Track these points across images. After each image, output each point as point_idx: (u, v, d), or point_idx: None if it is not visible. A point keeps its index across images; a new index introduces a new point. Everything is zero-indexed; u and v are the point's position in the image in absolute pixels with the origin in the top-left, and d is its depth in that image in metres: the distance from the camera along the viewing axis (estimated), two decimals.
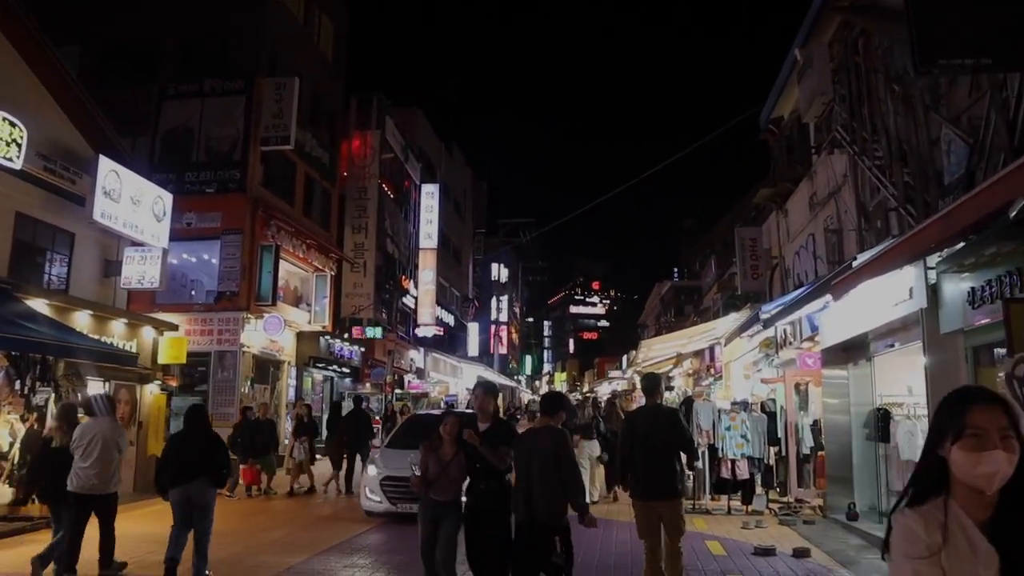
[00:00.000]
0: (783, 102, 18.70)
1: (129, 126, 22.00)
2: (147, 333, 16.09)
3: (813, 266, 16.68)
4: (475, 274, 57.93)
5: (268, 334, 21.49)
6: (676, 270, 64.90)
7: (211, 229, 21.73)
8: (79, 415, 9.11)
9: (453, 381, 45.50)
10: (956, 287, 7.73)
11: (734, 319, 16.89)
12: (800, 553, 8.83)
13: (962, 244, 6.97)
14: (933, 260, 8.09)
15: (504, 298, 66.93)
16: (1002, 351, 6.75)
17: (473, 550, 6.23)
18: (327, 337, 25.89)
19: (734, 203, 37.37)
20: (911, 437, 10.59)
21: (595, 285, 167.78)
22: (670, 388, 27.53)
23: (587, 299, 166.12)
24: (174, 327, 17.15)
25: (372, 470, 11.82)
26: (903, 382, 11.31)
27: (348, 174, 30.54)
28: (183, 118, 22.57)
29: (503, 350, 65.73)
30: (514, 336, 76.70)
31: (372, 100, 31.77)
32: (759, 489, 12.82)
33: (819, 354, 12.73)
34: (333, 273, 27.66)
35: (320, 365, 25.77)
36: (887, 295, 9.26)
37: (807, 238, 17.79)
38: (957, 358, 8.02)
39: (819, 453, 12.57)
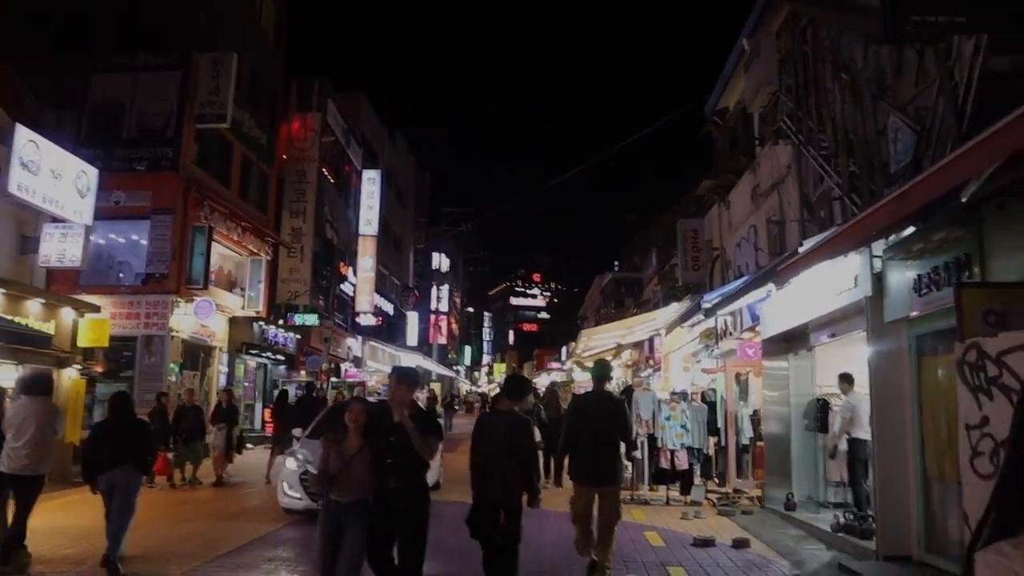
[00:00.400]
0: (729, 92, 18.69)
1: (55, 99, 21.11)
2: (66, 315, 15.31)
3: (754, 257, 16.70)
4: (416, 263, 57.31)
5: (199, 318, 20.73)
6: (617, 263, 65.17)
7: (141, 208, 20.83)
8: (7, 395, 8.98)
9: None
10: (902, 275, 7.64)
11: (675, 309, 16.82)
12: (739, 544, 8.71)
13: (911, 230, 6.85)
14: (879, 248, 8.00)
15: (444, 288, 66.42)
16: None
17: (378, 560, 5.50)
18: (261, 323, 25.15)
19: (677, 199, 37.59)
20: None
21: (536, 277, 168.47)
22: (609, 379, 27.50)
23: (528, 291, 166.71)
24: (95, 308, 16.37)
25: (291, 463, 10.59)
26: (846, 369, 11.31)
27: (287, 157, 29.71)
28: (114, 92, 21.60)
29: (442, 340, 65.23)
30: (454, 326, 76.26)
31: (314, 83, 30.97)
32: (698, 479, 12.74)
33: (759, 344, 12.68)
34: (269, 258, 26.91)
35: (253, 352, 25.03)
36: (831, 284, 9.17)
37: (749, 230, 17.80)
38: (900, 347, 7.95)
39: (758, 443, 12.54)
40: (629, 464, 13.77)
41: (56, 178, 15.14)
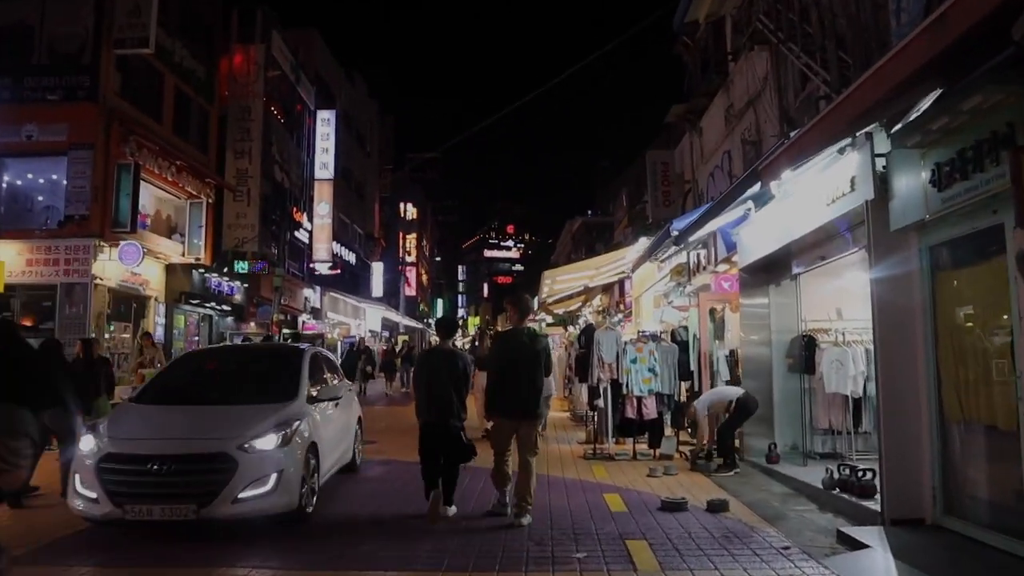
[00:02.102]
0: (698, 3, 16.90)
1: None
2: None
3: (729, 185, 15.11)
4: (382, 213, 55.30)
5: (124, 264, 18.87)
6: (590, 212, 63.46)
7: (57, 143, 18.79)
8: None
9: (354, 323, 43.22)
10: (913, 169, 6.09)
11: (643, 244, 15.21)
12: (716, 507, 7.22)
13: (931, 100, 5.26)
14: (883, 143, 6.43)
15: (411, 237, 64.49)
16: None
17: None
18: (201, 271, 23.28)
19: (650, 141, 35.75)
20: (839, 367, 9.15)
21: (510, 229, 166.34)
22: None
23: (502, 243, 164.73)
24: None
25: (87, 444, 6.64)
26: (831, 304, 9.86)
27: (229, 93, 27.63)
28: (20, 13, 19.41)
29: (411, 292, 63.49)
30: (424, 278, 74.47)
31: (256, 11, 28.67)
32: (668, 430, 11.26)
33: (736, 276, 11.18)
34: (211, 200, 24.97)
35: (194, 302, 23.19)
36: (820, 192, 7.62)
37: (722, 156, 16.25)
38: (910, 261, 6.42)
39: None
40: (593, 413, 12.37)
41: None
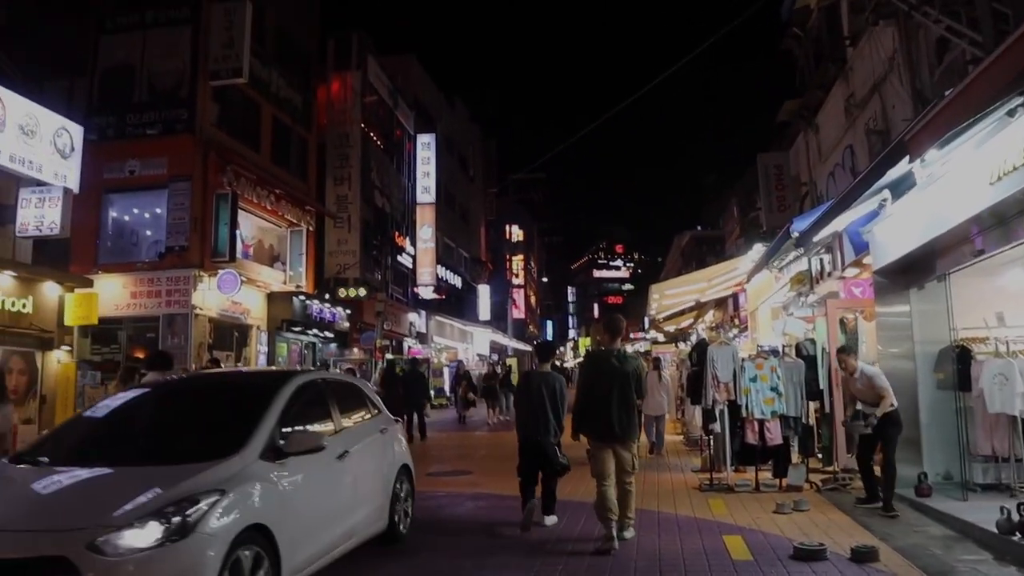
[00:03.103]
0: None
1: (66, 67, 19.50)
2: (49, 290, 13.43)
3: (854, 181, 13.61)
4: (488, 236, 55.02)
5: (222, 292, 18.75)
6: (699, 227, 61.48)
7: (157, 177, 19.04)
8: None
9: (461, 347, 42.78)
10: None
11: (758, 250, 13.85)
12: (862, 555, 5.88)
13: None
14: None
15: (518, 259, 63.93)
16: None
17: None
18: (302, 298, 23.08)
19: (757, 149, 33.94)
20: (1003, 382, 7.66)
21: (619, 248, 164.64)
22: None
23: (611, 263, 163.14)
24: (86, 282, 14.48)
25: None
26: (988, 309, 8.35)
27: (328, 121, 27.68)
28: (123, 54, 19.80)
29: (519, 314, 62.85)
30: (532, 299, 73.80)
31: (351, 38, 28.72)
32: (795, 457, 9.89)
33: (869, 280, 9.76)
34: (311, 228, 24.92)
35: (296, 329, 23.01)
36: (979, 170, 6.29)
37: (844, 152, 14.75)
38: None
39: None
40: (708, 438, 11.11)
41: (28, 135, 13.18)
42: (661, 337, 32.49)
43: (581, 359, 54.11)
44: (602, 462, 6.85)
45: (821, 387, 9.67)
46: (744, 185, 30.50)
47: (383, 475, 6.77)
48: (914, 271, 8.60)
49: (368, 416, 7.01)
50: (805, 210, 17.62)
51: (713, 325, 24.33)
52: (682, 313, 25.12)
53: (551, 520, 7.58)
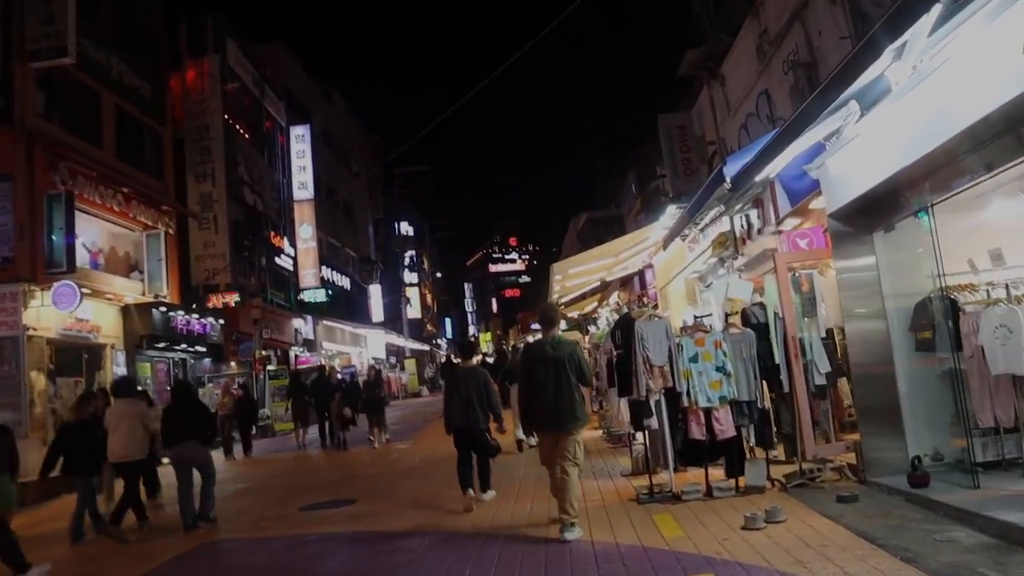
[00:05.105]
0: None
1: None
2: None
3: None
4: (378, 235, 52.55)
5: (60, 309, 15.95)
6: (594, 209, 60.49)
7: None
8: None
9: (355, 351, 40.28)
10: None
11: (672, 214, 12.17)
12: None
13: None
14: None
15: (409, 255, 61.63)
16: None
17: None
18: (163, 309, 20.34)
19: (649, 124, 32.72)
20: (1007, 336, 6.16)
21: (513, 241, 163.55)
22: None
23: (506, 256, 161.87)
24: None
25: None
26: (979, 247, 6.86)
27: (185, 112, 24.89)
28: None
29: (414, 313, 60.56)
30: (428, 298, 71.57)
31: (206, 20, 25.93)
32: (756, 452, 8.22)
33: (820, 227, 8.20)
34: (171, 231, 22.13)
35: (160, 345, 20.26)
36: (965, 78, 4.71)
37: (758, 99, 13.34)
38: None
39: (839, 381, 8.08)
40: (639, 435, 9.41)
41: None
42: (564, 325, 31.01)
43: (490, 352, 52.10)
44: (545, 450, 7.06)
45: (776, 361, 7.95)
46: (641, 156, 29.25)
47: None
48: (882, 210, 7.01)
49: None
50: (714, 170, 16.24)
51: (617, 309, 22.86)
52: (584, 297, 23.63)
53: (490, 494, 8.62)
